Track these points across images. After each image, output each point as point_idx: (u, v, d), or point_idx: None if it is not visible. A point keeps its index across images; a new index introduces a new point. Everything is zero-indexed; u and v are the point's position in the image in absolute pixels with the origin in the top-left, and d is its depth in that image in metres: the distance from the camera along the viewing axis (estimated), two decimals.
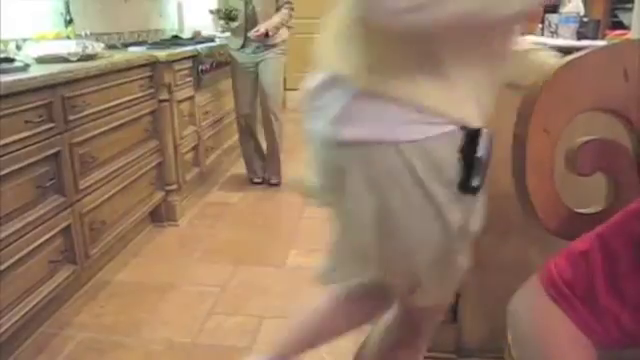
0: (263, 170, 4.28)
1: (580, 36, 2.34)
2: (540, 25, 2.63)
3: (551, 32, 2.45)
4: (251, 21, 3.85)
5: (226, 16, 3.85)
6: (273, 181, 4.23)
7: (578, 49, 0.97)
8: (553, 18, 2.45)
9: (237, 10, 3.85)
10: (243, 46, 3.93)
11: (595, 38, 2.31)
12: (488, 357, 2.06)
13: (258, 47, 3.91)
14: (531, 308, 0.76)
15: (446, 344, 2.10)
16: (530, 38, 2.04)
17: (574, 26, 2.35)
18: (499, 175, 1.85)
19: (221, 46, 4.19)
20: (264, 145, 4.24)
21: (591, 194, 1.04)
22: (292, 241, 3.09)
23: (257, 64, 3.95)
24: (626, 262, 0.67)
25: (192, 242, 3.23)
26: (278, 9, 3.92)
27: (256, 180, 4.28)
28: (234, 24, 3.87)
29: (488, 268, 1.99)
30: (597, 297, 0.68)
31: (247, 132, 4.18)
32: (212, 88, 4.09)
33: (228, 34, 4.08)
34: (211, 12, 4.14)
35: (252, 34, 3.80)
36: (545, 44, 1.95)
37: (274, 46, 3.95)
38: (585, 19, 2.41)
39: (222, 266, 2.91)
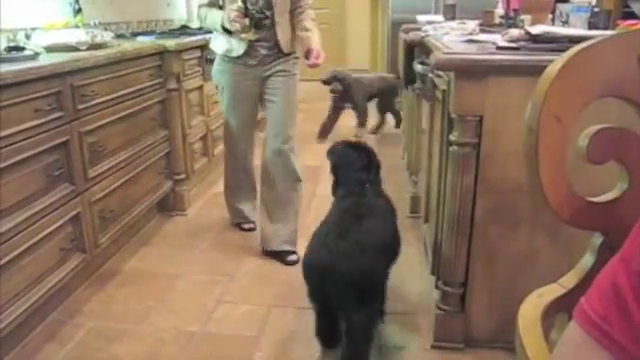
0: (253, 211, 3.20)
1: (591, 26, 2.32)
2: (551, 15, 2.61)
3: (562, 22, 2.43)
4: (264, 20, 2.71)
5: (254, 24, 2.66)
6: (291, 257, 2.86)
7: (589, 39, 0.96)
8: (564, 8, 2.43)
9: (265, 17, 2.69)
10: (246, 53, 2.76)
11: (606, 28, 2.30)
12: (496, 347, 2.06)
13: (267, 55, 2.78)
14: (572, 349, 0.73)
15: (454, 334, 2.10)
16: (541, 27, 2.02)
17: (585, 16, 2.33)
18: (509, 167, 1.86)
19: None
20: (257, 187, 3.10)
21: (604, 183, 1.03)
22: (300, 230, 3.09)
23: (263, 80, 2.83)
24: None
25: (200, 231, 3.23)
26: (294, 10, 2.79)
27: (246, 226, 3.21)
28: (250, 36, 2.70)
29: (497, 259, 1.99)
30: (633, 320, 0.66)
31: (240, 169, 3.13)
32: None
33: (213, 34, 2.92)
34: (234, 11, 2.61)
35: (312, 61, 2.68)
36: (556, 33, 1.93)
37: (289, 55, 2.84)
38: (596, 9, 2.39)
39: (230, 255, 2.91)
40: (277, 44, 2.76)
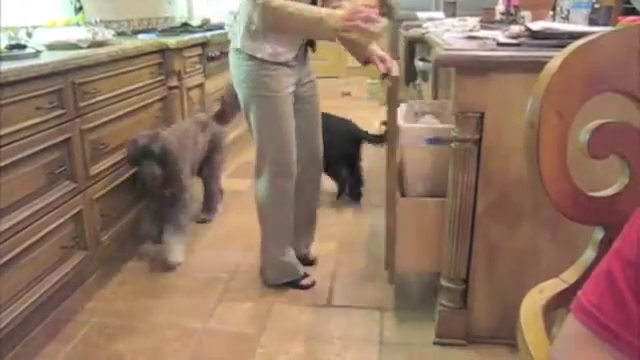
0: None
1: (592, 22, 2.32)
2: (551, 11, 2.60)
3: (562, 18, 2.42)
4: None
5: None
6: (313, 255, 2.79)
7: (589, 35, 0.96)
8: (564, 3, 2.43)
9: None
10: (296, 57, 2.31)
11: (607, 24, 2.29)
12: (498, 343, 2.07)
13: (306, 58, 2.42)
14: (568, 340, 0.74)
15: (456, 330, 2.11)
16: (541, 23, 2.02)
17: (586, 12, 2.33)
18: (510, 163, 1.86)
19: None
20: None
21: (605, 177, 1.03)
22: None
23: (299, 87, 2.38)
24: None
25: (202, 229, 3.23)
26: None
27: (307, 282, 2.60)
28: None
29: (498, 255, 2.00)
30: (626, 308, 0.67)
31: (289, 207, 2.48)
32: (222, 75, 4.08)
33: (244, 31, 2.22)
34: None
35: (388, 69, 2.26)
36: (557, 29, 1.93)
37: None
38: (597, 5, 2.39)
39: (232, 253, 2.92)
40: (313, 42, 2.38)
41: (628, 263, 0.67)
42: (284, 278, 2.57)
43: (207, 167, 3.26)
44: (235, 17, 2.34)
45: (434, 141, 2.08)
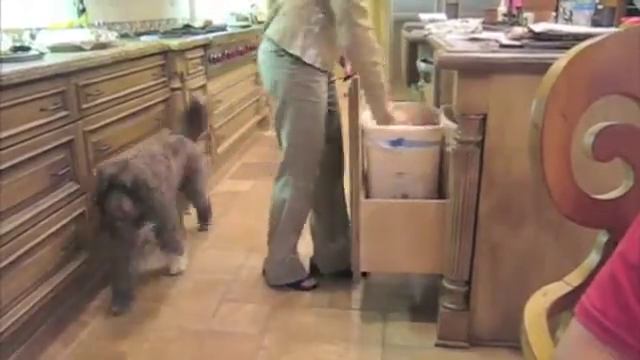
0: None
1: (595, 24, 2.32)
2: (554, 13, 2.60)
3: (565, 19, 2.43)
4: None
5: None
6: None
7: (593, 37, 0.96)
8: (567, 5, 2.43)
9: None
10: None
11: (610, 25, 2.29)
12: (500, 346, 2.06)
13: None
14: (571, 343, 0.74)
15: (458, 333, 2.11)
16: (544, 25, 2.02)
17: (589, 13, 2.33)
18: (513, 165, 1.86)
19: (232, 35, 4.17)
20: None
21: (609, 180, 1.03)
22: (303, 229, 3.10)
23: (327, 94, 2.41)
24: None
25: (203, 229, 3.24)
26: None
27: (308, 283, 2.60)
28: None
29: (501, 257, 1.99)
30: (630, 312, 0.67)
31: (310, 204, 2.53)
32: (224, 77, 4.08)
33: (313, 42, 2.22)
34: None
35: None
36: (559, 31, 1.93)
37: None
38: (600, 6, 2.39)
39: (234, 254, 2.92)
40: None
41: (632, 267, 0.67)
42: (289, 278, 2.57)
43: (190, 189, 3.05)
44: (272, 18, 2.32)
45: (397, 143, 2.09)
